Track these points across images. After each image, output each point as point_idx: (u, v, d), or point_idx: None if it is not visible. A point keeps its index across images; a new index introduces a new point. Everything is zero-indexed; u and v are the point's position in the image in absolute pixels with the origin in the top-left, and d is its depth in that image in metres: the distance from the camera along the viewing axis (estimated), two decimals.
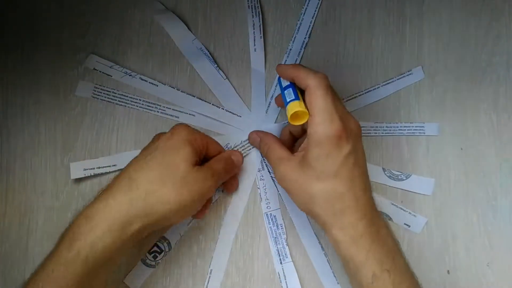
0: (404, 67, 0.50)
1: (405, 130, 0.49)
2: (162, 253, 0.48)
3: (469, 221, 0.48)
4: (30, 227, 0.49)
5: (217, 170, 0.43)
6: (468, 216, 0.48)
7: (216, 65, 0.50)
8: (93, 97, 0.50)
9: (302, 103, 0.40)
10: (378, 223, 0.39)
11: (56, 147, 0.50)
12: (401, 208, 0.48)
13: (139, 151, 0.43)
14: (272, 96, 0.50)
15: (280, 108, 0.50)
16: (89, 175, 0.49)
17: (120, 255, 0.39)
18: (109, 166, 0.49)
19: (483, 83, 0.50)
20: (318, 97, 0.38)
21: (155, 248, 0.48)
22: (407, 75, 0.50)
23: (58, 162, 0.50)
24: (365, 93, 0.50)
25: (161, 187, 0.39)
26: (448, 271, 0.48)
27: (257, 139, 0.47)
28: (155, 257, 0.48)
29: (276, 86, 0.50)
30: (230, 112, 0.50)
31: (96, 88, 0.50)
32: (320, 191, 0.39)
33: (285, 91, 0.42)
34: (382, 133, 0.49)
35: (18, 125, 0.50)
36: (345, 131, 0.38)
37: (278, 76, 0.43)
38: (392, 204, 0.48)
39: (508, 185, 0.49)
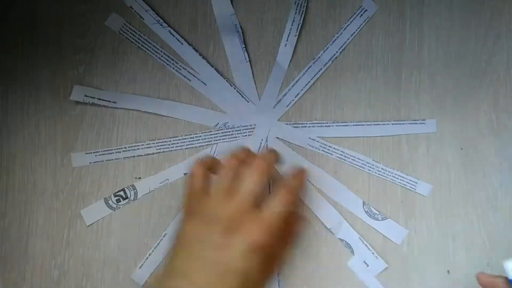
0: (404, 67, 0.50)
1: (398, 178, 0.49)
2: (126, 200, 0.49)
3: (469, 221, 0.48)
4: (30, 227, 0.49)
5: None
6: (468, 216, 0.48)
7: (244, 46, 0.50)
8: (120, 33, 0.50)
9: None
10: None
11: (56, 147, 0.50)
12: (366, 245, 0.48)
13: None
14: (285, 94, 0.50)
15: (288, 108, 0.50)
16: (88, 102, 0.49)
17: None
18: (110, 102, 0.49)
19: (483, 83, 0.50)
20: None
21: (121, 193, 0.49)
22: (420, 123, 0.49)
23: (58, 162, 0.50)
24: (374, 125, 0.49)
25: None
26: (448, 271, 0.48)
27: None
28: (118, 201, 0.49)
29: (292, 86, 0.50)
30: (240, 93, 0.50)
31: (126, 25, 0.51)
32: None
33: None
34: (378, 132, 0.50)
35: (18, 125, 0.50)
36: None
37: None
38: (360, 238, 0.48)
39: (508, 185, 0.48)
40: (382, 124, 0.49)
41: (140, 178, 0.49)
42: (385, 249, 0.48)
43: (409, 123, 0.49)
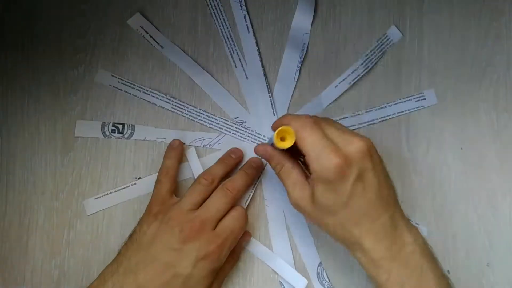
0: (404, 67, 0.50)
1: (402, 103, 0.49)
2: (120, 135, 0.50)
3: (469, 221, 0.48)
4: (30, 227, 0.49)
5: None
6: (468, 216, 0.48)
7: (300, 66, 0.50)
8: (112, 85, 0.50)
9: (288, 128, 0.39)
10: (401, 242, 0.39)
11: (56, 147, 0.50)
12: None
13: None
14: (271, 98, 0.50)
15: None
16: (141, 33, 0.50)
17: None
18: (158, 44, 0.50)
19: (483, 83, 0.50)
20: (305, 137, 0.38)
21: (119, 126, 0.50)
22: (420, 99, 0.49)
23: (58, 162, 0.50)
24: (377, 110, 0.49)
25: None
26: (448, 271, 0.48)
27: (267, 155, 0.43)
28: (113, 131, 0.50)
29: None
30: (272, 103, 0.50)
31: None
32: (333, 223, 0.39)
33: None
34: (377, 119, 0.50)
35: (18, 124, 0.50)
36: (344, 159, 0.37)
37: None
38: None
39: (508, 185, 0.49)
40: (384, 107, 0.49)
41: (140, 178, 0.49)
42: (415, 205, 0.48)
43: (405, 101, 0.49)
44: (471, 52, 0.50)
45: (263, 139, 0.50)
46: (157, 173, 0.48)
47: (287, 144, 0.39)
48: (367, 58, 0.50)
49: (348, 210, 0.38)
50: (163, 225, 0.42)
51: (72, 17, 0.51)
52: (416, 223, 0.48)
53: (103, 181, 0.50)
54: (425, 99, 0.49)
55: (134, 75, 0.51)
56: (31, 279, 0.48)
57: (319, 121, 0.39)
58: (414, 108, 0.49)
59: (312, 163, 0.38)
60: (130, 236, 0.44)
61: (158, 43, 0.50)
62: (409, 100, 0.49)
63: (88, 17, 0.51)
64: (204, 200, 0.44)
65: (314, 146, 0.38)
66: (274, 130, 0.40)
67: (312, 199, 0.39)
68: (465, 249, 0.48)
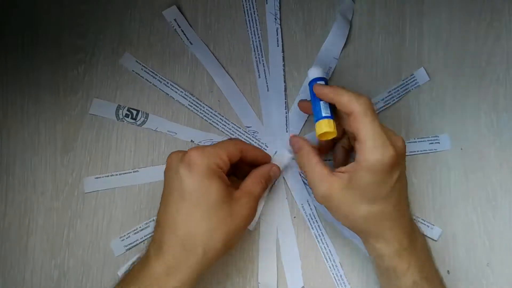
0: (404, 67, 0.50)
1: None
2: (133, 121, 0.49)
3: (469, 221, 0.48)
4: (30, 227, 0.49)
5: (256, 194, 0.43)
6: (468, 216, 0.48)
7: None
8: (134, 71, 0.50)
9: (332, 122, 0.41)
10: (417, 236, 0.43)
11: (56, 147, 0.50)
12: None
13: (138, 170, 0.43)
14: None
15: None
16: (172, 26, 0.51)
17: None
18: (188, 40, 0.50)
19: (483, 83, 0.50)
20: (367, 124, 0.38)
21: (134, 112, 0.50)
22: (434, 142, 0.49)
23: (58, 162, 0.50)
24: None
25: (212, 235, 0.39)
26: (448, 271, 0.48)
27: (297, 146, 0.45)
28: (126, 116, 0.49)
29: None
30: (287, 120, 0.49)
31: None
32: (369, 212, 0.40)
33: (321, 103, 0.42)
34: None
35: (18, 125, 0.50)
36: (397, 155, 0.38)
37: (309, 84, 0.44)
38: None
39: (508, 185, 0.49)
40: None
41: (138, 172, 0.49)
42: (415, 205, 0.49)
43: (419, 141, 0.49)
44: (471, 52, 0.50)
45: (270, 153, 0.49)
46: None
47: (327, 138, 0.42)
48: (389, 95, 0.49)
49: (386, 203, 0.40)
50: None
51: (72, 17, 0.51)
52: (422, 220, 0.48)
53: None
54: (439, 143, 0.49)
55: (134, 74, 0.51)
56: (31, 279, 0.49)
57: (373, 107, 0.39)
58: (426, 150, 0.49)
59: (367, 152, 0.38)
60: None
61: (188, 39, 0.50)
62: (423, 141, 0.49)
63: (88, 17, 0.51)
64: None
65: (373, 137, 0.38)
66: (319, 96, 0.42)
67: (347, 187, 0.39)
68: (465, 249, 0.48)
